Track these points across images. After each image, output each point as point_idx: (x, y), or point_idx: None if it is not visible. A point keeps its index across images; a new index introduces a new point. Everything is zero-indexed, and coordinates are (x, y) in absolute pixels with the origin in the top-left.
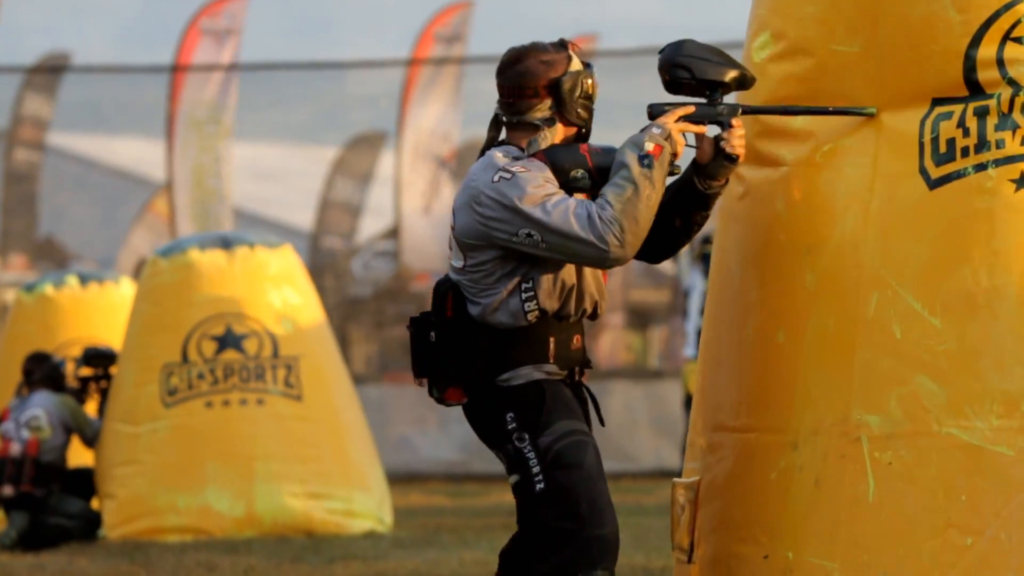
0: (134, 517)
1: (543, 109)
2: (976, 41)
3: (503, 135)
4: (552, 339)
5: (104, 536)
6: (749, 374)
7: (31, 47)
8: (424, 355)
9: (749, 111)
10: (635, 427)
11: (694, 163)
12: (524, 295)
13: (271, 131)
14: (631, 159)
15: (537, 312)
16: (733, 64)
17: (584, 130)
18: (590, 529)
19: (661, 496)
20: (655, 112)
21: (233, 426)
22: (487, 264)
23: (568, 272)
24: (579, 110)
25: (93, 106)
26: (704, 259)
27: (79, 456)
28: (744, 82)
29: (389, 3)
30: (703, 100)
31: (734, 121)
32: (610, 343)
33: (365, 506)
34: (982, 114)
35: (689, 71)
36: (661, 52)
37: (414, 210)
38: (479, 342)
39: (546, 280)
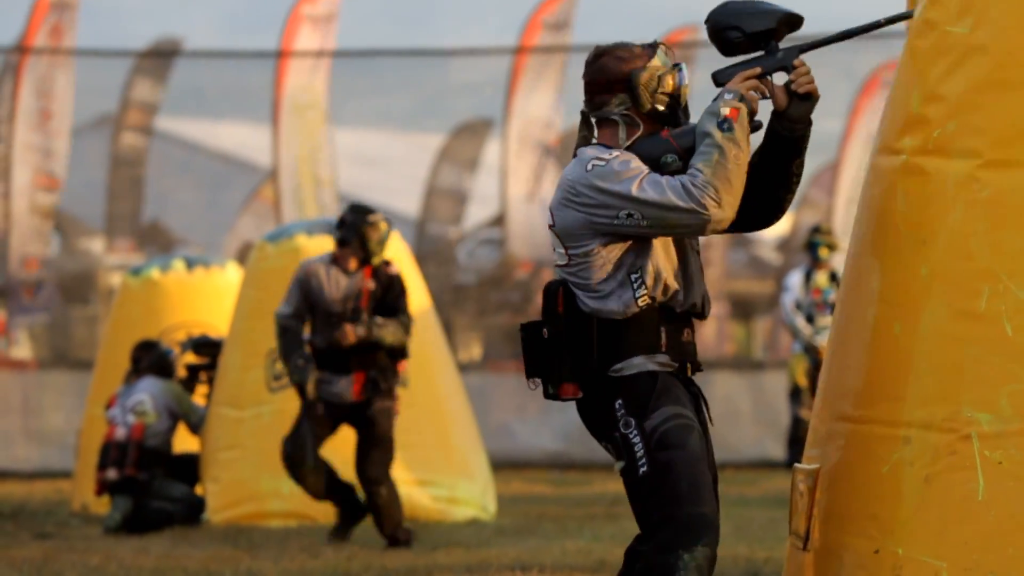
0: (238, 502)
1: (618, 104)
2: None
3: (596, 135)
4: (663, 329)
5: (207, 520)
6: (868, 364)
7: (138, 32)
8: (537, 354)
9: (805, 48)
10: (737, 418)
11: (774, 114)
12: (634, 283)
13: (373, 118)
14: (711, 127)
15: (648, 299)
16: (777, 9)
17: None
18: (689, 507)
19: (763, 487)
20: (720, 79)
21: None
22: (592, 255)
23: (674, 263)
24: (656, 106)
25: (198, 91)
26: (811, 248)
27: (184, 442)
28: (793, 21)
29: None
30: (760, 53)
31: (795, 62)
32: (714, 334)
33: (469, 493)
34: None
35: (739, 29)
36: (707, 21)
37: (520, 198)
38: (591, 334)
39: (653, 270)
